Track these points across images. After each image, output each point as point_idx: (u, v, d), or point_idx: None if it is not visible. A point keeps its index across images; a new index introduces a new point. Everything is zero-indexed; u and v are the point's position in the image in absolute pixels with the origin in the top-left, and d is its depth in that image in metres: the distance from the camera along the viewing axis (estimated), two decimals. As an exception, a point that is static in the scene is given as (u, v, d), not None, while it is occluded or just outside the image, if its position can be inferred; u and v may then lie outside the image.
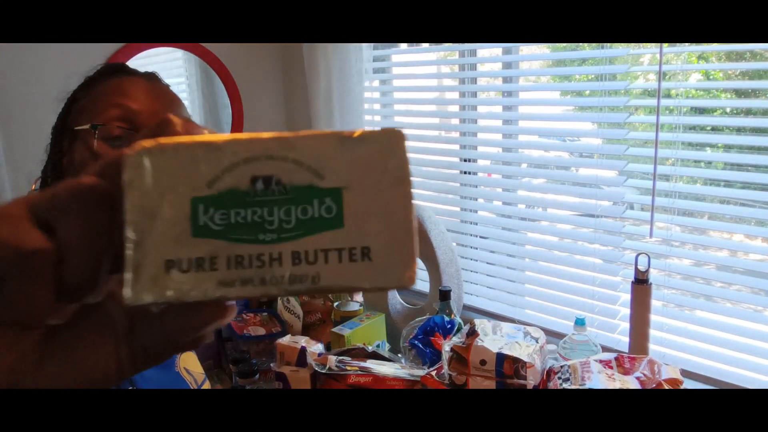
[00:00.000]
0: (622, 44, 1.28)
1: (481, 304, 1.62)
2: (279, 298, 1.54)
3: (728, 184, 1.22)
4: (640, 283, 1.16)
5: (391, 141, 0.31)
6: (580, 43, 1.42)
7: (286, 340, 1.21)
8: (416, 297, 1.72)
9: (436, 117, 1.80)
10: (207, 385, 0.88)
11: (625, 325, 1.23)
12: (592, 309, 1.39)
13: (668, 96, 1.23)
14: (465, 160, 1.66)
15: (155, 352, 0.32)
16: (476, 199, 1.67)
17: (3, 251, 0.26)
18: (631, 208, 1.33)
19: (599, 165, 1.36)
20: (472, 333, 1.04)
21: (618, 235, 1.34)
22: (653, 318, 1.18)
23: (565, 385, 0.98)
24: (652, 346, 1.20)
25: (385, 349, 1.42)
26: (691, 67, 1.31)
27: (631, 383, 0.96)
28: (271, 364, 1.24)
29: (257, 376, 1.30)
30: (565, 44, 1.42)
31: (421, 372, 1.10)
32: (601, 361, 1.03)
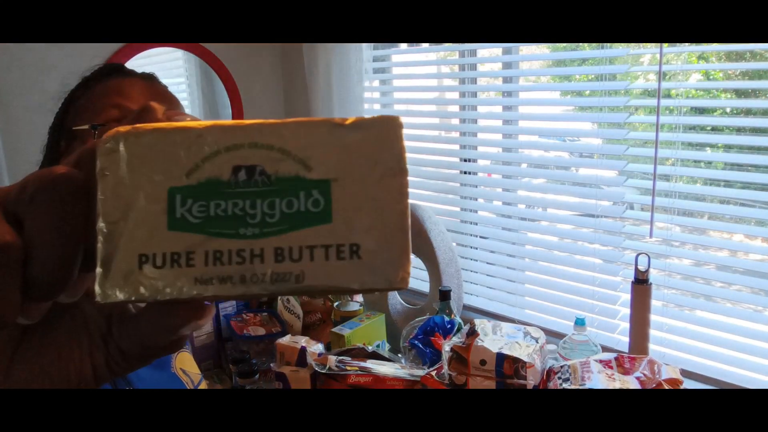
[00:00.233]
0: (622, 44, 1.28)
1: (481, 304, 1.62)
2: (279, 298, 1.54)
3: (728, 184, 1.22)
4: (640, 283, 1.16)
5: (386, 129, 0.28)
6: (580, 43, 1.42)
7: (286, 340, 1.21)
8: (416, 297, 1.72)
9: (436, 117, 1.80)
10: (204, 386, 0.87)
11: (625, 325, 1.23)
12: (592, 309, 1.39)
13: (668, 96, 1.23)
14: (465, 160, 1.66)
15: (132, 355, 0.30)
16: (476, 199, 1.67)
17: None
18: (631, 208, 1.33)
19: (599, 165, 1.36)
20: (472, 333, 1.04)
21: (618, 235, 1.34)
22: (653, 318, 1.18)
23: (565, 385, 0.98)
24: (652, 346, 1.20)
25: (385, 349, 1.42)
26: (691, 67, 1.31)
27: (631, 383, 0.96)
28: (271, 364, 1.24)
29: (257, 376, 1.30)
30: (565, 44, 1.42)
31: (421, 372, 1.10)
32: (601, 361, 1.03)
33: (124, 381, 0.76)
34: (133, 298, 0.27)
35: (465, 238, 1.66)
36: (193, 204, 0.28)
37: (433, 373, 1.05)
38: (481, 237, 1.64)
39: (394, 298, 1.65)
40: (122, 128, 0.27)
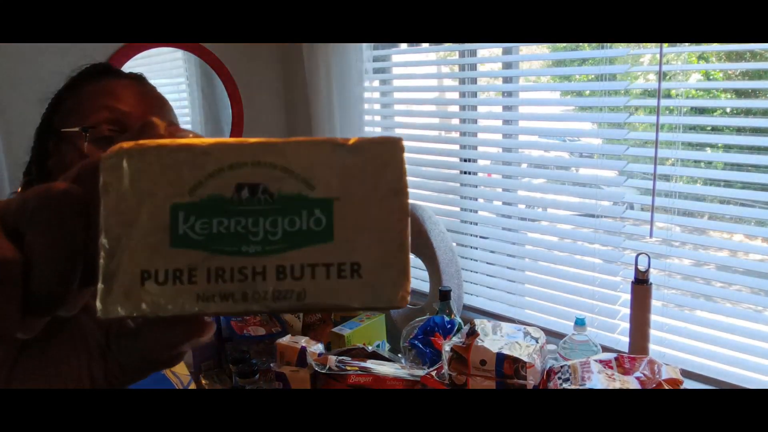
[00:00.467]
0: (622, 44, 1.28)
1: (481, 304, 1.62)
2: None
3: (728, 184, 1.22)
4: (640, 283, 1.16)
5: (388, 150, 0.29)
6: (580, 43, 1.42)
7: (286, 340, 1.21)
8: (416, 297, 1.72)
9: (436, 117, 1.80)
10: (192, 386, 0.87)
11: (625, 325, 1.23)
12: (592, 309, 1.39)
13: (668, 96, 1.23)
14: (465, 160, 1.66)
15: (132, 370, 0.30)
16: (476, 199, 1.67)
17: None
18: (631, 208, 1.33)
19: (599, 165, 1.36)
20: (472, 333, 1.04)
21: (618, 235, 1.34)
22: (653, 318, 1.18)
23: (565, 385, 0.98)
24: (652, 346, 1.19)
25: (385, 349, 1.42)
26: (691, 67, 1.31)
27: (631, 383, 0.96)
28: (271, 364, 1.24)
29: (257, 376, 1.30)
30: (565, 44, 1.42)
31: (421, 372, 1.10)
32: (601, 361, 1.03)
33: None
34: (134, 314, 0.27)
35: (465, 238, 1.66)
36: (195, 221, 0.28)
37: (433, 373, 1.05)
38: (481, 237, 1.64)
39: (394, 298, 1.65)
40: (126, 144, 0.28)
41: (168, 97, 2.14)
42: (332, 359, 1.14)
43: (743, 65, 1.31)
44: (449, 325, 1.28)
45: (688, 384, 1.17)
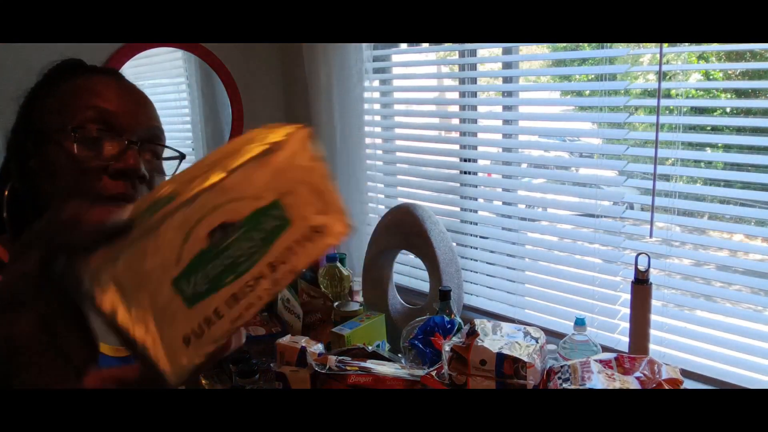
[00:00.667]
0: (622, 44, 1.28)
1: (481, 304, 1.62)
2: (279, 298, 1.54)
3: (728, 184, 1.22)
4: (640, 283, 1.16)
5: (298, 140, 0.37)
6: (580, 43, 1.42)
7: (286, 340, 1.21)
8: (416, 297, 1.72)
9: (436, 117, 1.80)
10: None
11: (625, 325, 1.23)
12: (592, 309, 1.39)
13: (668, 96, 1.23)
14: (465, 160, 1.66)
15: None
16: (476, 199, 1.67)
17: None
18: (631, 208, 1.33)
19: (599, 165, 1.36)
20: (472, 333, 1.04)
21: (618, 235, 1.34)
22: (653, 318, 1.18)
23: (565, 385, 0.98)
24: (652, 346, 1.20)
25: (385, 349, 1.42)
26: (691, 67, 1.31)
27: (631, 383, 0.96)
28: (271, 364, 1.24)
29: (257, 376, 1.30)
30: (565, 44, 1.42)
31: (421, 372, 1.09)
32: (601, 361, 1.03)
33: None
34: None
35: (465, 238, 1.66)
36: (195, 278, 0.34)
37: (433, 373, 1.05)
38: (481, 237, 1.64)
39: (395, 298, 1.65)
40: (95, 261, 0.32)
41: (168, 97, 2.16)
42: (332, 359, 1.14)
43: (743, 65, 1.31)
44: (449, 325, 1.28)
45: (688, 384, 1.17)
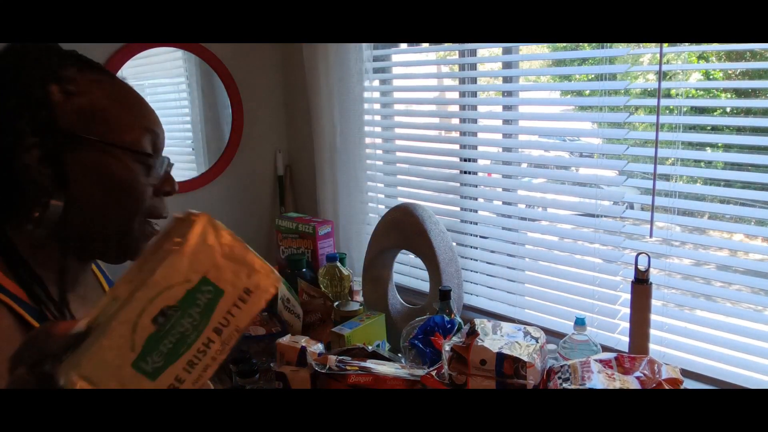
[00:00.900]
0: (622, 44, 1.28)
1: (481, 304, 1.62)
2: (279, 298, 1.54)
3: (728, 183, 1.22)
4: (640, 282, 1.16)
5: (201, 225, 0.44)
6: (580, 43, 1.42)
7: (286, 340, 1.21)
8: (416, 297, 1.72)
9: (436, 117, 1.80)
10: None
11: (625, 325, 1.23)
12: (592, 309, 1.39)
13: (668, 96, 1.23)
14: (465, 160, 1.66)
15: None
16: (476, 199, 1.67)
17: None
18: (631, 207, 1.33)
19: (599, 165, 1.36)
20: (472, 333, 1.04)
21: (618, 235, 1.34)
22: (653, 318, 1.18)
23: (565, 385, 0.98)
24: (652, 346, 1.20)
25: (385, 349, 1.42)
26: (691, 67, 1.31)
27: (631, 383, 0.96)
28: (271, 364, 1.24)
29: (257, 376, 1.30)
30: (565, 44, 1.42)
31: (421, 372, 1.09)
32: (601, 361, 1.03)
33: None
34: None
35: (465, 238, 1.66)
36: (151, 357, 0.41)
37: (433, 373, 1.05)
38: (481, 237, 1.64)
39: (395, 298, 1.65)
40: (60, 369, 0.40)
41: (168, 97, 2.17)
42: (332, 359, 1.14)
43: (743, 65, 1.31)
44: (449, 325, 1.28)
45: (688, 384, 1.17)
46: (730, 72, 1.48)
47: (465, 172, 1.67)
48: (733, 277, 1.19)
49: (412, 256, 1.66)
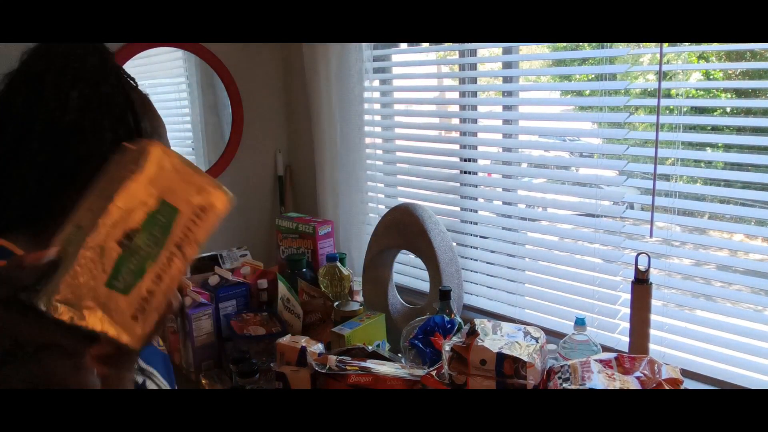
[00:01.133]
0: (622, 44, 1.28)
1: (481, 304, 1.62)
2: (279, 298, 1.54)
3: (728, 184, 1.22)
4: (640, 282, 1.16)
5: (156, 152, 0.48)
6: (580, 43, 1.42)
7: (286, 340, 1.21)
8: (416, 297, 1.72)
9: (436, 117, 1.80)
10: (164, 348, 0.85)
11: (625, 325, 1.23)
12: (592, 309, 1.39)
13: (668, 96, 1.23)
14: (465, 160, 1.66)
15: None
16: (476, 199, 1.67)
17: None
18: (631, 207, 1.33)
19: (599, 165, 1.36)
20: (472, 333, 1.04)
21: (618, 235, 1.34)
22: (653, 318, 1.18)
23: (565, 385, 0.98)
24: (652, 346, 1.20)
25: (385, 349, 1.42)
26: (691, 67, 1.31)
27: (631, 383, 0.96)
28: (271, 364, 1.24)
29: (257, 376, 1.30)
30: (565, 44, 1.41)
31: (421, 372, 1.10)
32: (601, 361, 1.03)
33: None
34: (149, 329, 0.48)
35: (465, 238, 1.66)
36: (122, 275, 0.45)
37: (433, 373, 1.05)
38: (481, 237, 1.64)
39: (395, 298, 1.65)
40: (39, 296, 0.42)
41: (168, 97, 2.17)
42: (332, 359, 1.14)
43: (743, 65, 1.31)
44: (449, 325, 1.28)
45: (688, 384, 1.17)
46: (730, 72, 1.48)
47: (465, 172, 1.67)
48: (733, 277, 1.19)
49: (412, 256, 1.66)
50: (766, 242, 1.30)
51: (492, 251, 1.61)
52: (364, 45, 1.73)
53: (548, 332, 1.22)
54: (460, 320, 1.34)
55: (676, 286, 1.26)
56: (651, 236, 1.25)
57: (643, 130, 1.30)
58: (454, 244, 1.58)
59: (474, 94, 1.67)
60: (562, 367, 1.03)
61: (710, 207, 1.23)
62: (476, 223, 1.66)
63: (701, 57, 1.31)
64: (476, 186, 1.65)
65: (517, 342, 1.02)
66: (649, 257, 1.16)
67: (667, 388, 0.94)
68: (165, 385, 0.76)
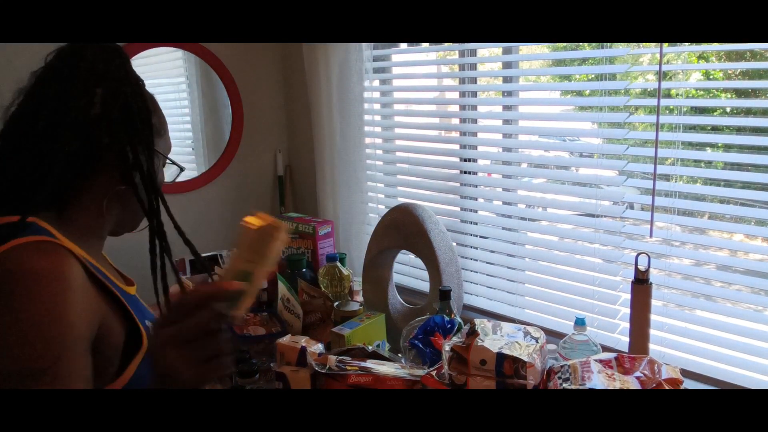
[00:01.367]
0: (622, 44, 1.28)
1: (481, 304, 1.62)
2: (279, 298, 1.54)
3: (728, 183, 1.22)
4: (640, 282, 1.16)
5: (279, 237, 0.69)
6: (580, 43, 1.42)
7: (286, 340, 1.21)
8: (416, 297, 1.72)
9: (436, 117, 1.80)
10: None
11: (625, 325, 1.23)
12: (592, 309, 1.39)
13: (668, 96, 1.23)
14: (465, 160, 1.66)
15: None
16: (476, 199, 1.67)
17: None
18: (631, 207, 1.33)
19: (599, 165, 1.36)
20: (472, 333, 1.04)
21: (618, 235, 1.34)
22: (653, 318, 1.18)
23: (565, 385, 0.98)
24: (652, 346, 1.20)
25: (385, 349, 1.42)
26: (691, 67, 1.31)
27: (631, 383, 0.96)
28: (271, 364, 1.24)
29: (257, 376, 1.30)
30: (565, 44, 1.41)
31: (421, 372, 1.09)
32: (601, 361, 1.03)
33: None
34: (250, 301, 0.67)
35: (465, 238, 1.66)
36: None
37: (433, 373, 1.05)
38: (481, 237, 1.64)
39: (395, 298, 1.65)
40: (236, 312, 0.65)
41: (168, 97, 2.17)
42: (332, 359, 1.14)
43: (743, 65, 1.31)
44: (449, 325, 1.28)
45: (688, 384, 1.17)
46: (730, 72, 1.48)
47: (465, 172, 1.67)
48: (733, 277, 1.19)
49: (412, 256, 1.66)
50: (766, 242, 1.30)
51: (492, 251, 1.61)
52: (364, 45, 1.73)
53: (548, 332, 1.21)
54: (460, 320, 1.34)
55: (676, 286, 1.26)
56: (651, 236, 1.25)
57: (643, 130, 1.30)
58: (454, 244, 1.58)
59: (474, 94, 1.67)
60: (562, 367, 1.03)
61: (710, 207, 1.23)
62: (476, 223, 1.66)
63: (701, 57, 1.31)
64: (476, 186, 1.65)
65: (517, 342, 1.02)
66: (649, 257, 1.16)
67: (667, 388, 0.94)
68: None
